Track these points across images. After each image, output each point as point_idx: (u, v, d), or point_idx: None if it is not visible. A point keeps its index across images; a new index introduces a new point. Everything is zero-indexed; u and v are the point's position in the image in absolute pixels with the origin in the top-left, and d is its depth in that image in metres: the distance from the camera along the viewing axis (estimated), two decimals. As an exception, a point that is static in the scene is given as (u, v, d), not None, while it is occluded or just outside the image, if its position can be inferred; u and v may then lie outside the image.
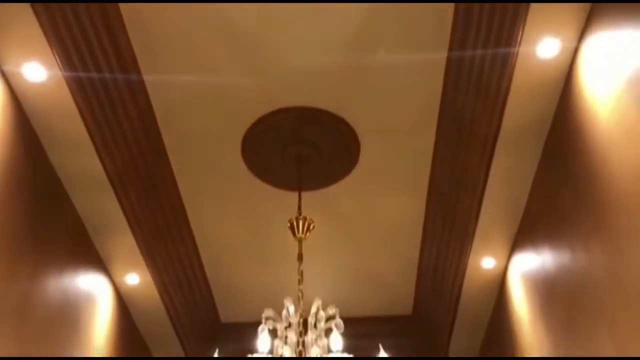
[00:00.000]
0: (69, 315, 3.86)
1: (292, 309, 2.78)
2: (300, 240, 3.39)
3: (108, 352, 4.45)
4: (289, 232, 3.55)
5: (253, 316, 2.91)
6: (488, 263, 4.50)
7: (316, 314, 2.74)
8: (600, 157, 2.75)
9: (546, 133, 3.49)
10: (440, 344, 5.58)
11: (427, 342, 5.66)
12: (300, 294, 3.02)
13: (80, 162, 3.63)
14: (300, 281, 3.12)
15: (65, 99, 3.22)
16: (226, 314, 5.54)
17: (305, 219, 3.42)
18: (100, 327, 4.34)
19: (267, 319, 2.68)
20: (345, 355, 2.32)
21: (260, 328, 2.52)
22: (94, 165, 3.65)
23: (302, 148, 3.80)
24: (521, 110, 3.34)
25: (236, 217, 4.49)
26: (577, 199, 3.08)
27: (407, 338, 5.44)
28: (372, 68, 3.40)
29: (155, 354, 5.49)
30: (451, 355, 5.61)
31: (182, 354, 5.54)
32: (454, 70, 3.39)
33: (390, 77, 3.47)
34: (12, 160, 3.16)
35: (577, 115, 3.03)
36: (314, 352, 2.57)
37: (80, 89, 3.23)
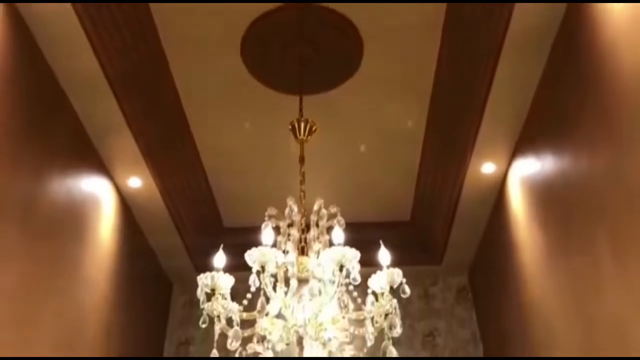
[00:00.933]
0: (74, 213, 3.94)
1: (295, 207, 2.83)
2: (302, 142, 3.38)
3: (113, 251, 4.58)
4: (291, 138, 3.54)
5: (255, 221, 2.95)
6: (488, 168, 4.53)
7: (318, 212, 2.79)
8: (608, 55, 2.70)
9: (554, 34, 3.41)
10: (437, 248, 5.74)
11: (424, 246, 5.81)
12: (302, 193, 3.06)
13: (78, 65, 3.57)
14: (302, 182, 3.15)
15: (61, -3, 3.11)
16: (229, 219, 5.64)
17: (307, 120, 3.40)
18: (105, 228, 4.44)
19: (270, 216, 2.73)
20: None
21: (264, 224, 2.56)
22: (92, 67, 3.59)
23: (303, 48, 3.71)
24: (531, 9, 3.24)
25: (237, 122, 4.47)
26: (582, 100, 3.05)
27: (404, 243, 5.55)
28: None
29: (159, 254, 5.66)
30: (446, 259, 5.79)
31: (186, 257, 5.70)
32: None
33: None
34: (8, 60, 3.11)
35: (587, 14, 2.94)
36: (315, 247, 2.65)
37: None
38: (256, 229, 2.63)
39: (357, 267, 2.31)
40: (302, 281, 2.56)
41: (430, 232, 5.65)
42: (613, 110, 2.69)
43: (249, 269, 2.36)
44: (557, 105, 3.46)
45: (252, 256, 2.30)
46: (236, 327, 2.26)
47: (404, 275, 2.42)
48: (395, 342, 2.41)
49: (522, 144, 4.17)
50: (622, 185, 2.63)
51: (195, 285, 2.42)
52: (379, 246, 2.51)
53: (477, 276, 5.85)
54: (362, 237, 4.46)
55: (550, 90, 3.58)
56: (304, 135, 3.40)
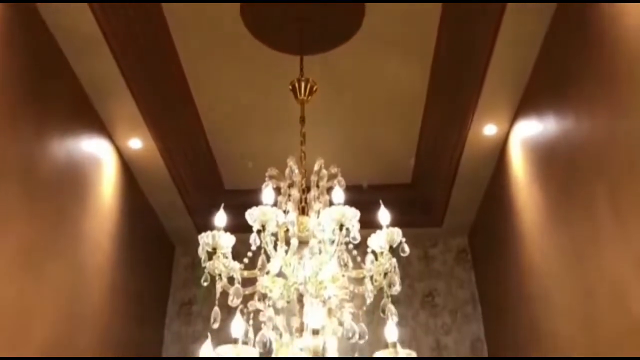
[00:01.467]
0: (75, 174, 3.95)
1: (295, 168, 2.82)
2: (302, 103, 3.35)
3: (115, 212, 4.61)
4: (291, 99, 3.51)
5: (256, 183, 2.95)
6: (490, 130, 4.51)
7: (318, 172, 2.79)
8: (612, 16, 2.65)
9: (559, -7, 3.36)
10: (438, 210, 5.76)
11: (425, 208, 5.83)
12: (302, 154, 3.05)
13: (77, 26, 3.53)
14: (302, 142, 3.14)
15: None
16: (230, 181, 5.65)
17: (307, 80, 3.36)
18: (106, 189, 4.46)
19: (270, 177, 2.73)
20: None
21: (264, 184, 2.56)
22: (91, 29, 3.55)
23: (304, 7, 3.64)
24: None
25: (237, 82, 4.43)
26: (585, 62, 3.02)
27: (405, 205, 5.55)
28: None
29: (161, 216, 5.70)
30: (446, 221, 5.82)
31: (188, 219, 5.74)
32: None
33: None
34: (7, 22, 3.08)
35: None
36: (316, 207, 2.66)
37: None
38: (257, 191, 2.63)
39: (357, 225, 2.31)
40: (303, 243, 2.57)
41: (431, 194, 5.66)
42: (615, 71, 2.66)
43: (249, 230, 2.35)
44: (560, 67, 3.42)
45: (252, 215, 2.30)
46: (237, 285, 2.28)
47: (404, 237, 2.43)
48: (395, 300, 2.43)
49: (524, 106, 4.14)
50: (623, 146, 2.62)
51: (197, 247, 2.40)
52: (379, 207, 2.50)
53: (477, 238, 5.89)
54: (362, 199, 4.50)
55: (553, 52, 3.54)
56: (304, 95, 3.38)
